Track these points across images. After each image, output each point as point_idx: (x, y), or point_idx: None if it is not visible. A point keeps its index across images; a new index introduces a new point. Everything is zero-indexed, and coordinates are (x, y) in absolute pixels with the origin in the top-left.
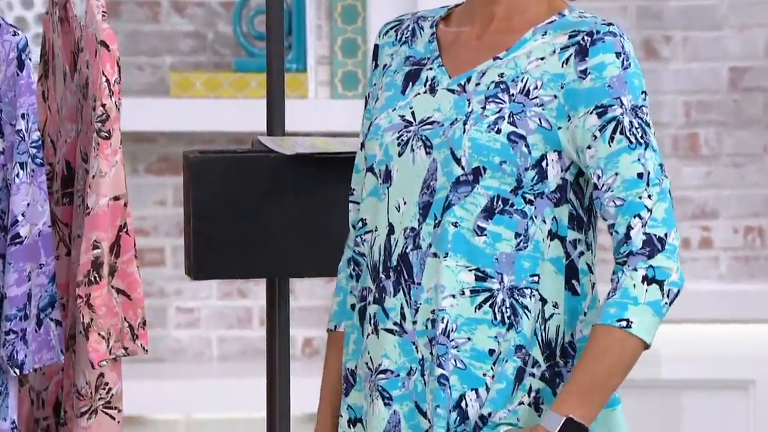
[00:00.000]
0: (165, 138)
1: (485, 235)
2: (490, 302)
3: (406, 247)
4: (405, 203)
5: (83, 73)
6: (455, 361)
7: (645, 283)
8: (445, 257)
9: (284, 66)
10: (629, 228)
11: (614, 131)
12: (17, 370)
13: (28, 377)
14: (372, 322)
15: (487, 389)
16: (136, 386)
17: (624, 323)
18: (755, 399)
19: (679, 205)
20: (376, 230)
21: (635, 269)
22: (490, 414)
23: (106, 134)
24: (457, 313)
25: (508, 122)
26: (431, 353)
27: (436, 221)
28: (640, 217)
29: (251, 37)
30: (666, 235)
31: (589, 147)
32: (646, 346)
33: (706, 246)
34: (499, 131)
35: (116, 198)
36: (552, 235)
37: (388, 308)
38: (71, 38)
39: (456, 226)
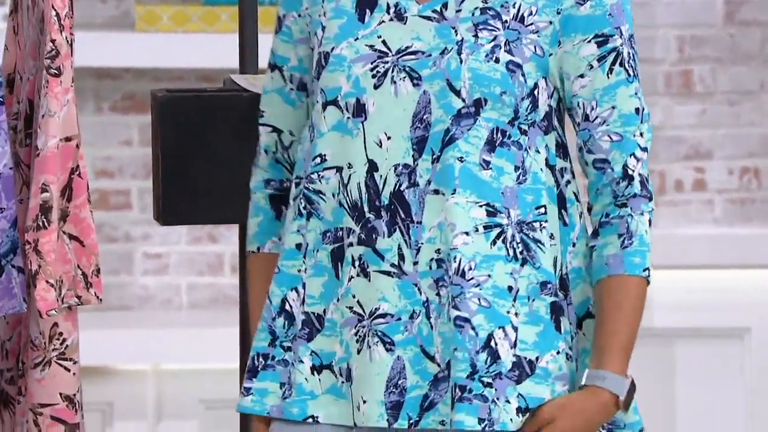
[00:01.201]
0: (130, 74)
1: (491, 168)
2: (502, 238)
3: (400, 185)
4: (389, 138)
5: (40, 7)
6: (479, 299)
7: (650, 227)
8: (453, 194)
9: None
10: (626, 167)
11: (614, 62)
12: None
13: None
14: (357, 264)
15: (514, 328)
16: (101, 335)
17: (647, 272)
18: (750, 347)
19: (672, 145)
20: (350, 167)
21: (642, 213)
22: (537, 358)
23: (56, 71)
24: (475, 250)
25: (504, 51)
26: (437, 294)
27: (434, 156)
28: (636, 157)
29: None
30: (649, 175)
31: (581, 76)
32: None
33: (699, 188)
34: (497, 60)
35: (67, 139)
36: (546, 164)
37: (382, 249)
38: None
39: (462, 161)
